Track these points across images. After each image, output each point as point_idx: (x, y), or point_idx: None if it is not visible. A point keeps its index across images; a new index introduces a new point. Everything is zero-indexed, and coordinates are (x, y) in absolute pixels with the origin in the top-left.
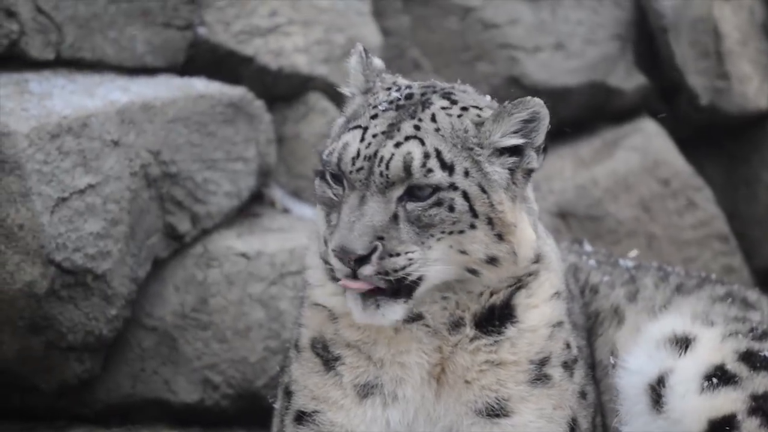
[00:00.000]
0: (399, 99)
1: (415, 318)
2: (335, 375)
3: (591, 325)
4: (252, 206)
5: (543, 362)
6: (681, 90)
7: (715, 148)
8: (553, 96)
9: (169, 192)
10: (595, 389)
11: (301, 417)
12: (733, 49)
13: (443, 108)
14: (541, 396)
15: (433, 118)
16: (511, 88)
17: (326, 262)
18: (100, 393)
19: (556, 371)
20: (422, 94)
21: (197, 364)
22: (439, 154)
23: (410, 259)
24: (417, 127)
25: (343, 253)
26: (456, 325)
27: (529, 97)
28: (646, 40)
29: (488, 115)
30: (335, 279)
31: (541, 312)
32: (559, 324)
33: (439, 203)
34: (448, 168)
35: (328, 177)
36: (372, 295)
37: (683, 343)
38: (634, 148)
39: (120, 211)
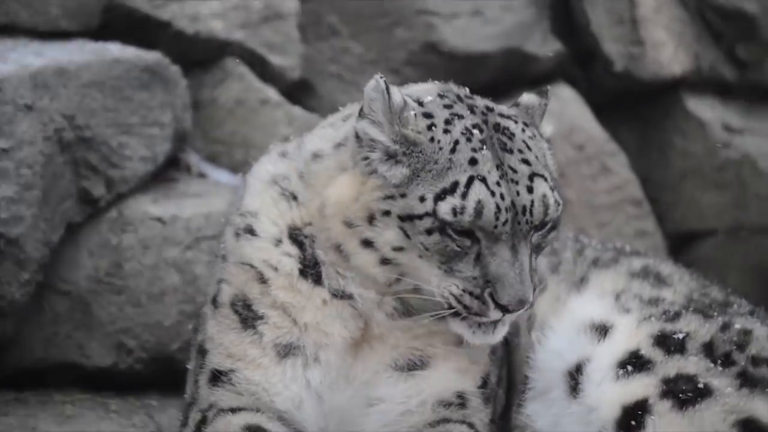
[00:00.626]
0: (477, 132)
1: (343, 296)
2: (254, 333)
3: None
4: (168, 171)
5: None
6: (596, 56)
7: (630, 113)
8: (470, 62)
9: (84, 157)
10: (504, 347)
11: (216, 376)
12: (648, 16)
13: (525, 133)
14: (462, 354)
15: (528, 147)
16: (429, 54)
17: (454, 300)
18: (12, 357)
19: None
20: (484, 121)
21: (111, 329)
22: (553, 185)
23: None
24: (527, 162)
25: (520, 306)
26: (405, 313)
27: None
28: (562, 6)
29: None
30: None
31: None
32: None
33: (553, 228)
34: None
35: (450, 232)
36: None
37: (601, 331)
38: (550, 114)
39: (33, 176)
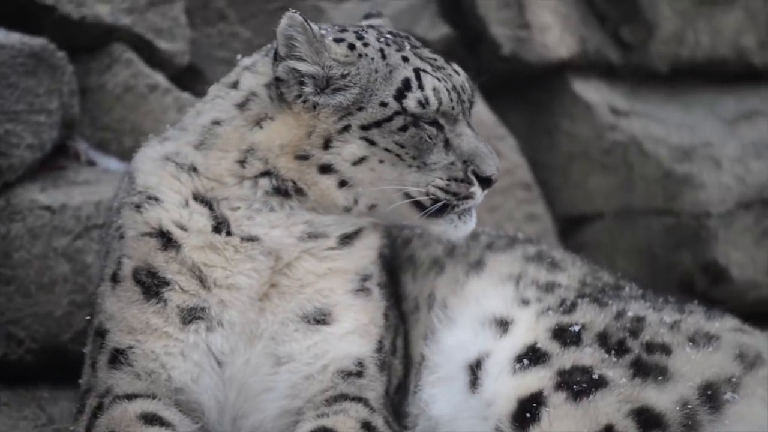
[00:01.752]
0: (387, 36)
1: (252, 238)
2: (158, 302)
3: (404, 265)
4: (56, 159)
5: (366, 277)
6: (484, 40)
7: (518, 97)
8: None
9: None
10: (396, 314)
11: (115, 356)
12: None
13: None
14: (360, 308)
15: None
16: None
17: (441, 193)
18: None
19: (374, 288)
20: (381, 33)
21: (0, 319)
22: None
23: None
24: (434, 52)
25: (499, 172)
26: (317, 235)
27: None
28: None
29: None
30: (451, 206)
31: (376, 236)
32: (382, 253)
33: None
34: None
35: (422, 124)
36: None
37: (503, 326)
38: None
39: None
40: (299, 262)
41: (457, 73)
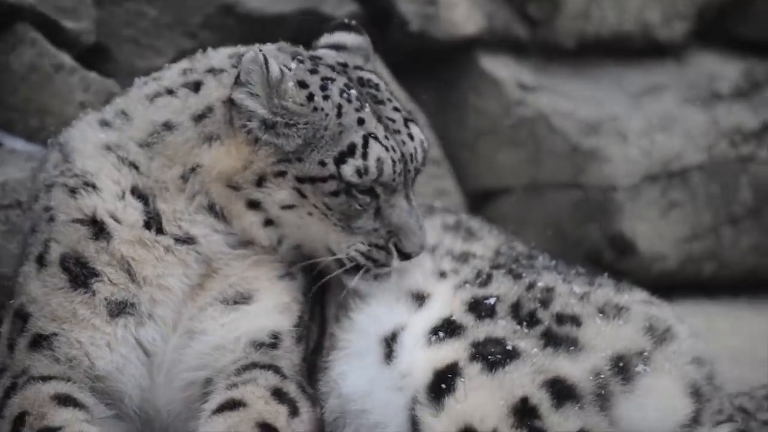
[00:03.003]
0: (351, 89)
1: (186, 240)
2: (86, 292)
3: None
4: None
5: (292, 264)
6: (392, 16)
7: (427, 73)
8: (266, 24)
9: None
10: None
11: (37, 341)
12: None
13: (381, 81)
14: (284, 289)
15: (392, 94)
16: (225, 17)
17: (361, 258)
18: None
19: (298, 273)
20: (350, 78)
21: None
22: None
23: None
24: (398, 109)
25: (421, 251)
26: (246, 243)
27: None
28: None
29: None
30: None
31: None
32: None
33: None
34: None
35: (355, 192)
36: None
37: (419, 300)
38: None
39: None
40: (228, 264)
41: (411, 138)
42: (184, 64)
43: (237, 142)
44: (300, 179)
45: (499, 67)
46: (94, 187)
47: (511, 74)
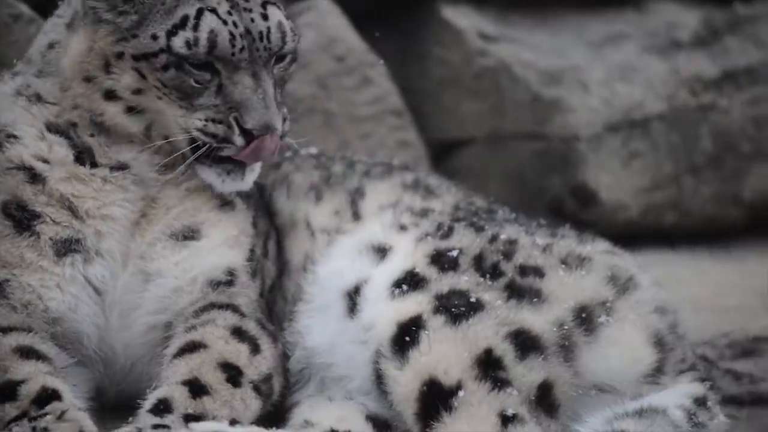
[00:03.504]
0: None
1: (120, 167)
2: (31, 235)
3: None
4: None
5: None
6: None
7: (388, 23)
8: None
9: None
10: (267, 222)
11: None
12: None
13: None
14: (229, 221)
15: None
16: None
17: (200, 134)
18: None
19: (237, 200)
20: None
21: None
22: (288, 16)
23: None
24: None
25: (266, 130)
26: (171, 165)
27: None
28: None
29: None
30: (223, 156)
31: None
32: None
33: (294, 61)
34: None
35: (188, 67)
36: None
37: (381, 252)
38: (309, 26)
39: None
40: (162, 192)
41: (265, 18)
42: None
43: (85, 27)
44: (136, 57)
45: (460, 17)
46: (14, 137)
47: (473, 24)
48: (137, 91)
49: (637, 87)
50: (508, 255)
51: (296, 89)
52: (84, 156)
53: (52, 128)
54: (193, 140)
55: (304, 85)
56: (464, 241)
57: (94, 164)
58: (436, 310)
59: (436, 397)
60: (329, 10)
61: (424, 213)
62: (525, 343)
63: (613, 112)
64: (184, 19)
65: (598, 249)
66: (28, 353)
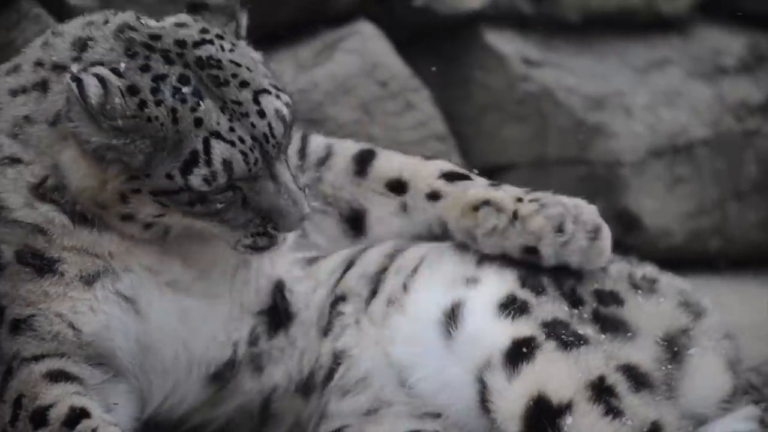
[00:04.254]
0: (185, 85)
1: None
2: (53, 275)
3: None
4: None
5: None
6: None
7: (432, 49)
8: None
9: None
10: None
11: (17, 325)
12: None
13: (227, 51)
14: None
15: (237, 64)
16: None
17: (251, 250)
18: None
19: None
20: (185, 65)
21: None
22: (275, 86)
23: None
24: (245, 83)
25: (301, 224)
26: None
27: None
28: None
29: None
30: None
31: None
32: None
33: (291, 127)
34: None
35: (211, 197)
36: None
37: (471, 281)
38: (353, 51)
39: None
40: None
41: (262, 116)
42: (38, 52)
43: (88, 159)
44: (154, 193)
45: (504, 42)
46: (2, 209)
47: (516, 49)
48: (160, 215)
49: (682, 112)
50: (579, 278)
51: (339, 114)
52: (83, 220)
53: (38, 195)
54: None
55: (347, 111)
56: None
57: (101, 228)
58: (548, 336)
59: (544, 416)
60: (372, 35)
61: None
62: (637, 378)
63: (657, 138)
64: (194, 155)
65: (654, 271)
66: (57, 377)
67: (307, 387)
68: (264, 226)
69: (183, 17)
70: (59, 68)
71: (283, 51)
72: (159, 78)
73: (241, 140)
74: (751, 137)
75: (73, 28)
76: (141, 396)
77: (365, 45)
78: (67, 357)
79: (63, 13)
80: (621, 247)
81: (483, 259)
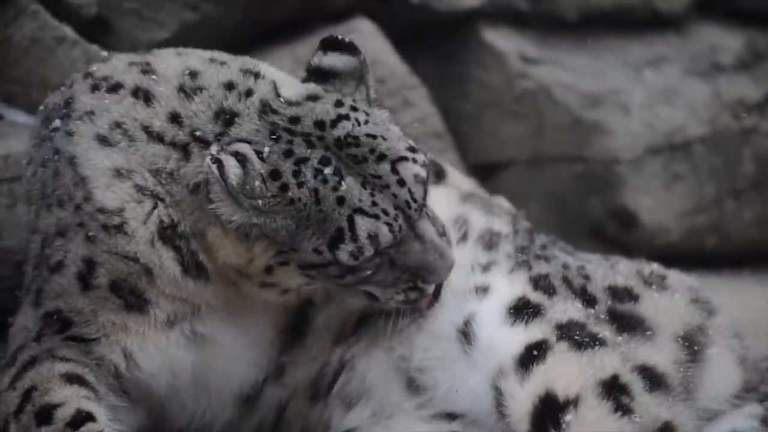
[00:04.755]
0: (328, 169)
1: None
2: (141, 314)
3: None
4: None
5: None
6: None
7: (430, 46)
8: None
9: None
10: None
11: (75, 339)
12: None
13: (362, 125)
14: None
15: (373, 137)
16: None
17: (405, 306)
18: None
19: None
20: (326, 147)
21: None
22: (410, 147)
23: None
24: (383, 156)
25: (449, 273)
26: None
27: None
28: None
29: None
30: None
31: None
32: None
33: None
34: None
35: (360, 266)
36: None
37: (482, 291)
38: None
39: None
40: None
41: (402, 184)
42: (173, 100)
43: (230, 236)
44: (303, 267)
45: (501, 40)
46: (123, 232)
47: (514, 46)
48: (305, 284)
49: (679, 110)
50: (587, 277)
51: None
52: (192, 271)
53: (163, 236)
54: None
55: None
56: (544, 268)
57: (207, 279)
58: (560, 337)
59: (550, 411)
60: (370, 32)
61: (494, 242)
62: (652, 378)
63: (655, 136)
64: (340, 232)
65: (662, 269)
66: (72, 379)
67: (315, 391)
68: (414, 281)
69: (314, 88)
70: (201, 142)
71: (281, 48)
72: (301, 161)
73: (385, 212)
74: (748, 135)
75: (213, 84)
76: (150, 420)
77: (363, 42)
78: (90, 371)
79: (60, 10)
80: (618, 245)
81: (491, 263)
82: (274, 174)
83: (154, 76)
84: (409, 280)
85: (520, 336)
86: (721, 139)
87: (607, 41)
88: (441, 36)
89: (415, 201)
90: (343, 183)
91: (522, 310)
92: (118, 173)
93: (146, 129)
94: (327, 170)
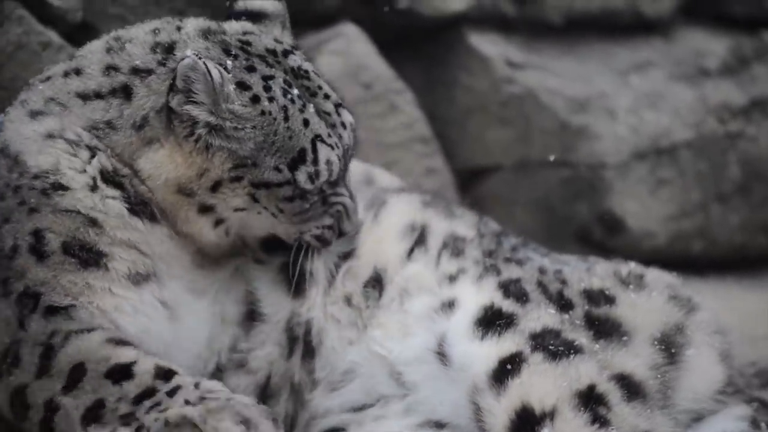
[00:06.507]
0: (291, 87)
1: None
2: (98, 269)
3: None
4: None
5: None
6: None
7: (415, 51)
8: None
9: None
10: None
11: (53, 310)
12: None
13: (307, 62)
14: None
15: (319, 76)
16: None
17: (314, 240)
18: None
19: None
20: (285, 71)
21: None
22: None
23: None
24: (328, 96)
25: (357, 228)
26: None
27: None
28: None
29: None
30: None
31: None
32: None
33: None
34: None
35: (308, 195)
36: None
37: (449, 306)
38: (337, 53)
39: None
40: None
41: (344, 127)
42: (104, 58)
43: (182, 150)
44: (255, 184)
45: (487, 45)
46: (63, 188)
47: (499, 51)
48: (240, 210)
49: (665, 115)
50: (564, 281)
51: None
52: (139, 209)
53: (106, 178)
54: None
55: None
56: (515, 272)
57: (154, 220)
58: (535, 348)
59: (524, 427)
60: (356, 37)
61: (459, 248)
62: (630, 387)
63: (641, 140)
64: (302, 153)
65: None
66: (120, 342)
67: (290, 346)
68: (334, 222)
69: (248, 26)
70: (143, 72)
71: None
72: (267, 78)
73: (336, 146)
74: (733, 139)
75: (140, 34)
76: None
77: (349, 47)
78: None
79: (45, 15)
80: (605, 250)
81: (459, 271)
82: (243, 85)
83: (79, 56)
84: (331, 219)
85: (492, 349)
86: (707, 143)
87: (592, 45)
88: (427, 41)
89: (351, 148)
90: (308, 106)
91: (494, 322)
92: (50, 136)
93: (80, 94)
94: (294, 91)
